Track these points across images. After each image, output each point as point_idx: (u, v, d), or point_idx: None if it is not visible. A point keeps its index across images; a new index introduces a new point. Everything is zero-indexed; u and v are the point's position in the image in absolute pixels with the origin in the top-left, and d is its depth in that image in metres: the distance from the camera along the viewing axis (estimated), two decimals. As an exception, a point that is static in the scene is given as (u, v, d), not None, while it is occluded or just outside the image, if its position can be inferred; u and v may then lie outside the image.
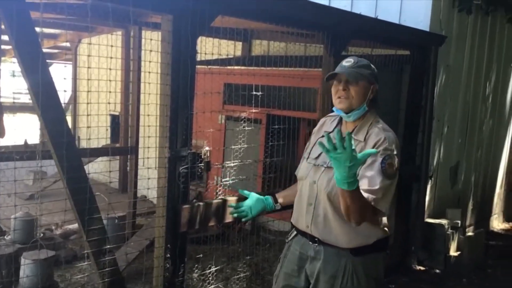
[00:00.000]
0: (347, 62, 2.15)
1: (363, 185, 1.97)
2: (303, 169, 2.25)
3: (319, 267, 2.16)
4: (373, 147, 2.01)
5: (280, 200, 2.49)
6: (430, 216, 4.80)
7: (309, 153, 2.26)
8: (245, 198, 2.52)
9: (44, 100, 2.07)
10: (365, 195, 1.95)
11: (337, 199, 2.03)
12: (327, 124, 2.31)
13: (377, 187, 1.97)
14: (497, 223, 6.36)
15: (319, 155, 2.19)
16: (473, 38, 5.15)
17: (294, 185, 2.45)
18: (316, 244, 2.17)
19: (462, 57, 5.06)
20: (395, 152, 2.03)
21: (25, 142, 7.84)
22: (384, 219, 2.14)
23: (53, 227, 5.01)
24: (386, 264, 2.30)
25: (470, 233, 5.23)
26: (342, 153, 1.74)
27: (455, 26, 4.83)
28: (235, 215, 2.53)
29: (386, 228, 2.17)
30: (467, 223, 5.54)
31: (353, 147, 1.77)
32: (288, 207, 2.48)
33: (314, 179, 2.16)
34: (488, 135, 5.83)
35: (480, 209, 5.84)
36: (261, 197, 2.48)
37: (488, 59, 5.49)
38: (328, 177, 2.10)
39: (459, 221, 4.86)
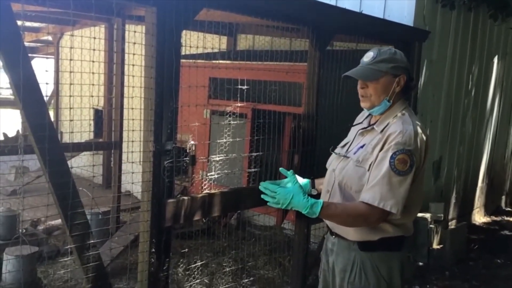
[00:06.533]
0: (366, 57, 2.04)
1: (368, 185, 1.94)
2: (330, 158, 2.26)
3: (333, 259, 2.17)
4: (387, 139, 1.95)
5: (317, 186, 2.38)
6: (414, 210, 4.84)
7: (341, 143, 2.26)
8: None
9: (26, 94, 2.02)
10: (369, 195, 1.92)
11: (347, 189, 2.05)
12: (361, 116, 2.27)
13: (379, 187, 1.90)
14: (479, 217, 6.46)
15: (345, 145, 2.21)
16: (456, 33, 5.20)
17: None
18: (333, 236, 2.17)
19: (445, 52, 5.11)
20: (410, 147, 1.89)
21: (4, 135, 7.66)
22: (400, 217, 1.98)
23: (37, 221, 4.94)
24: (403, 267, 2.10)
25: (452, 227, 5.31)
26: (277, 198, 2.00)
27: (438, 21, 4.87)
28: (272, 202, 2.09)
29: (399, 227, 2.02)
30: (450, 216, 5.61)
31: (283, 187, 2.03)
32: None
33: (333, 167, 2.16)
34: (471, 129, 5.91)
35: (462, 203, 5.93)
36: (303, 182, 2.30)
37: (470, 54, 5.56)
38: (342, 166, 2.10)
39: (442, 215, 4.92)
